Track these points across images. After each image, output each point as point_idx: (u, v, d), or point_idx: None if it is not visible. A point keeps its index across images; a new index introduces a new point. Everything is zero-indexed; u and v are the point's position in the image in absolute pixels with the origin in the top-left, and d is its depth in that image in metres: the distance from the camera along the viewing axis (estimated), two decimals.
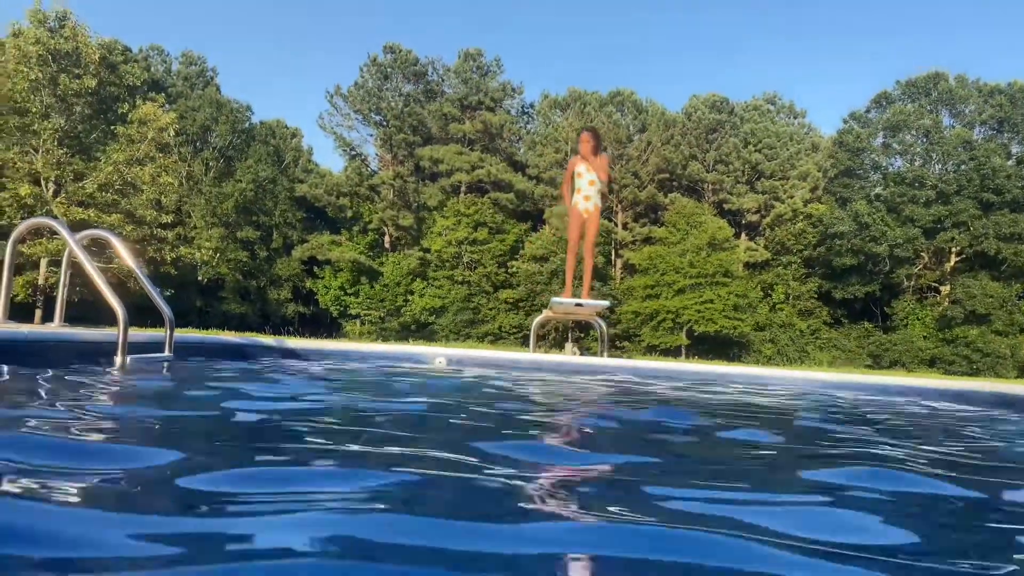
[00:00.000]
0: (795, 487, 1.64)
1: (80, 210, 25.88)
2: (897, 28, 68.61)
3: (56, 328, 4.21)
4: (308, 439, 1.96)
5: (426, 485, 1.41)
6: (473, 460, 1.68)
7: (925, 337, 36.39)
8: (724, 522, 1.18)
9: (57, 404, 2.39)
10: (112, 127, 28.64)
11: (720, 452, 2.27)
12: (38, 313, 26.69)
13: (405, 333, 38.64)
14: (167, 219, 30.21)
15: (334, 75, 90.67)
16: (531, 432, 2.55)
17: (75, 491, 1.21)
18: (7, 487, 1.18)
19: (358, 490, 1.30)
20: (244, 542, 0.96)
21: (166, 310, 4.41)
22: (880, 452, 2.26)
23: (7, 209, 24.49)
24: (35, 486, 1.22)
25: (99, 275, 3.90)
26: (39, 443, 1.57)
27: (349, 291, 42.40)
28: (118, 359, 3.89)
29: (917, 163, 39.14)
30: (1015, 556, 1.14)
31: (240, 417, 2.32)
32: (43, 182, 26.28)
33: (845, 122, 41.11)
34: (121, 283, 17.31)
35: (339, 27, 75.23)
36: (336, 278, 42.77)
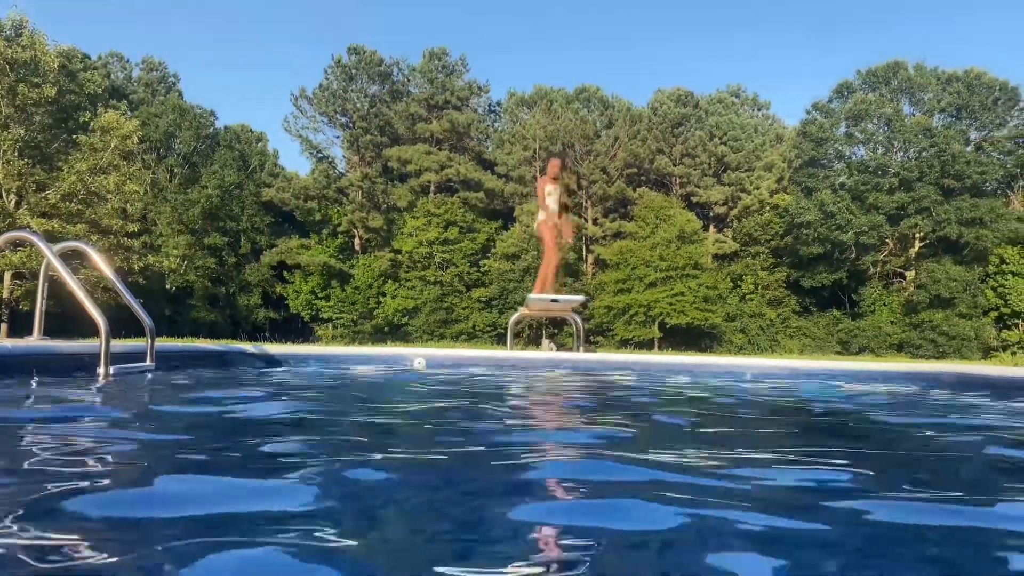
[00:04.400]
0: None
1: (44, 221, 25.42)
2: (856, 18, 69.55)
3: (36, 341, 4.19)
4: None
5: None
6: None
7: (892, 322, 37.02)
8: None
9: (52, 418, 2.40)
10: (74, 136, 28.16)
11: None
12: (3, 327, 26.21)
13: (378, 335, 38.48)
14: (133, 228, 29.80)
15: (298, 78, 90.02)
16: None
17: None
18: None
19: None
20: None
21: (147, 320, 4.40)
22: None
23: None
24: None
25: (80, 287, 3.89)
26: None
27: (320, 295, 42.10)
28: (101, 370, 3.88)
29: (879, 151, 39.76)
30: None
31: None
32: (4, 193, 25.80)
33: (808, 113, 41.63)
34: (89, 294, 17.01)
35: (302, 29, 74.61)
36: (306, 282, 42.46)
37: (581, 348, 9.79)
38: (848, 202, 37.95)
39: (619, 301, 36.68)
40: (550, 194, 9.47)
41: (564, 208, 10.03)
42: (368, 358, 6.87)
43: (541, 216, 9.51)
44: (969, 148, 38.69)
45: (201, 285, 39.12)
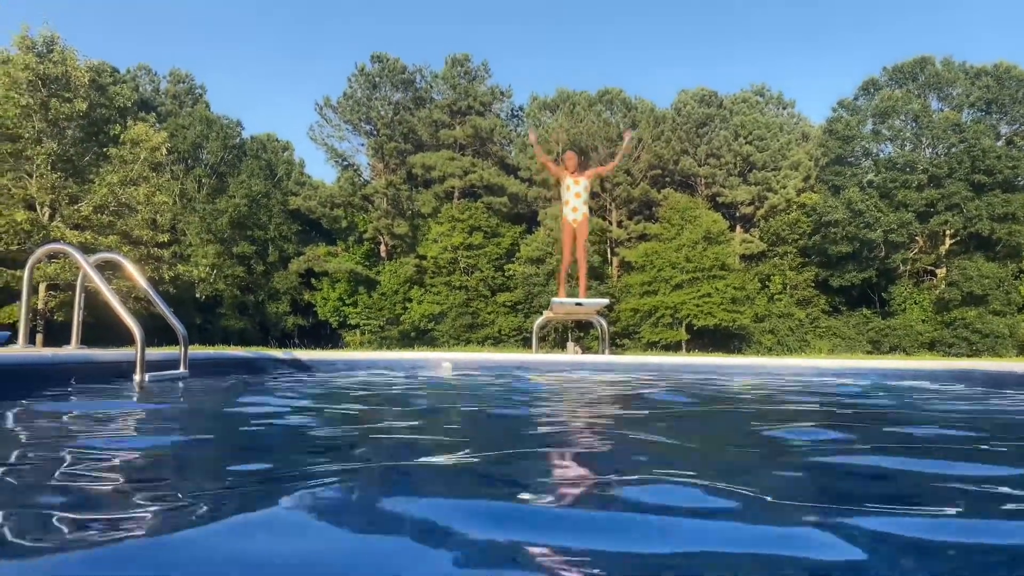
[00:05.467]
0: None
1: (77, 233, 25.91)
2: (881, 14, 68.84)
3: (74, 350, 4.31)
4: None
5: None
6: None
7: (924, 321, 36.51)
8: None
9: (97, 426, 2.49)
10: (104, 149, 28.67)
11: None
12: (39, 337, 26.73)
13: (405, 341, 38.70)
14: (163, 238, 30.25)
15: (323, 86, 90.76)
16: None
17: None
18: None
19: None
20: None
21: (180, 328, 4.51)
22: None
23: (4, 236, 24.54)
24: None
25: (115, 297, 4.00)
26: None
27: (347, 301, 42.47)
28: (137, 377, 3.99)
29: (907, 148, 39.29)
30: None
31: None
32: (38, 207, 26.32)
33: (834, 110, 41.26)
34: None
35: (326, 38, 75.40)
36: (334, 289, 42.85)
37: (607, 351, 9.82)
38: (876, 200, 37.53)
39: (645, 303, 36.55)
40: (568, 188, 9.31)
41: (609, 167, 10.27)
42: (396, 363, 6.95)
43: (564, 212, 9.46)
44: (1000, 143, 38.10)
45: (230, 294, 39.62)
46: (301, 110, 78.25)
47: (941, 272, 38.50)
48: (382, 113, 44.18)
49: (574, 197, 9.26)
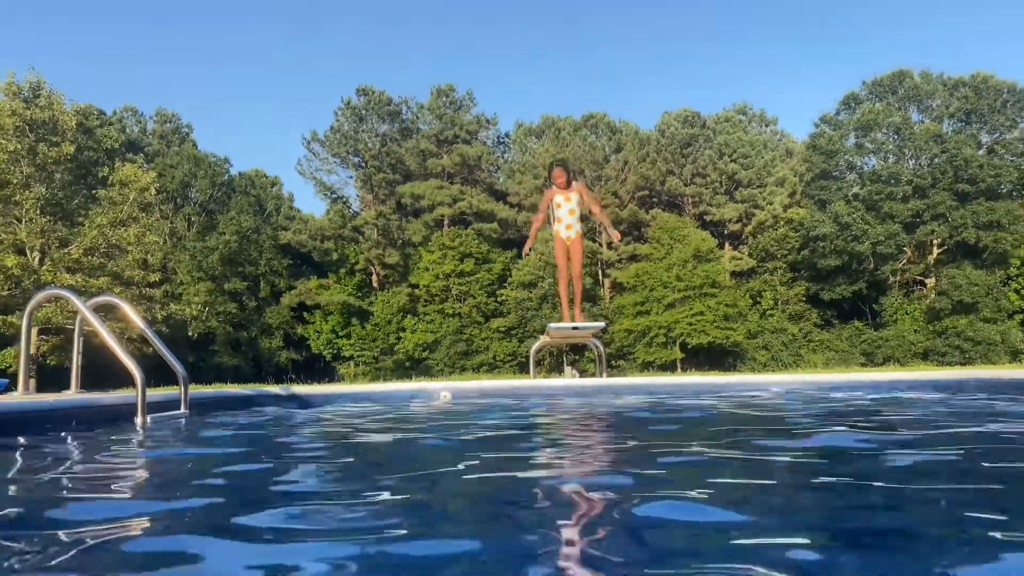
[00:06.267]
0: None
1: (68, 276, 25.86)
2: (858, 29, 69.77)
3: (74, 395, 4.31)
4: None
5: None
6: None
7: (916, 331, 36.66)
8: None
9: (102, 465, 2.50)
10: (93, 191, 28.73)
11: None
12: (32, 383, 26.54)
13: (400, 371, 38.57)
14: (154, 278, 30.21)
15: (309, 121, 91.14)
16: None
17: None
18: None
19: None
20: None
21: (179, 368, 4.52)
22: None
23: None
24: None
25: (114, 340, 4.02)
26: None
27: (341, 333, 42.36)
28: (139, 419, 4.00)
29: (891, 160, 39.69)
30: None
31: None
32: (28, 251, 26.27)
33: (816, 126, 41.70)
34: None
35: (311, 73, 75.85)
36: (327, 322, 42.76)
37: (604, 373, 9.83)
38: (863, 212, 37.82)
39: (638, 324, 36.59)
40: (559, 205, 8.79)
41: (597, 207, 9.23)
42: (394, 394, 6.96)
43: (557, 230, 8.84)
44: (981, 152, 38.54)
45: (223, 331, 39.48)
46: (289, 145, 78.45)
47: (930, 282, 38.74)
48: (369, 145, 44.39)
49: (567, 214, 8.80)
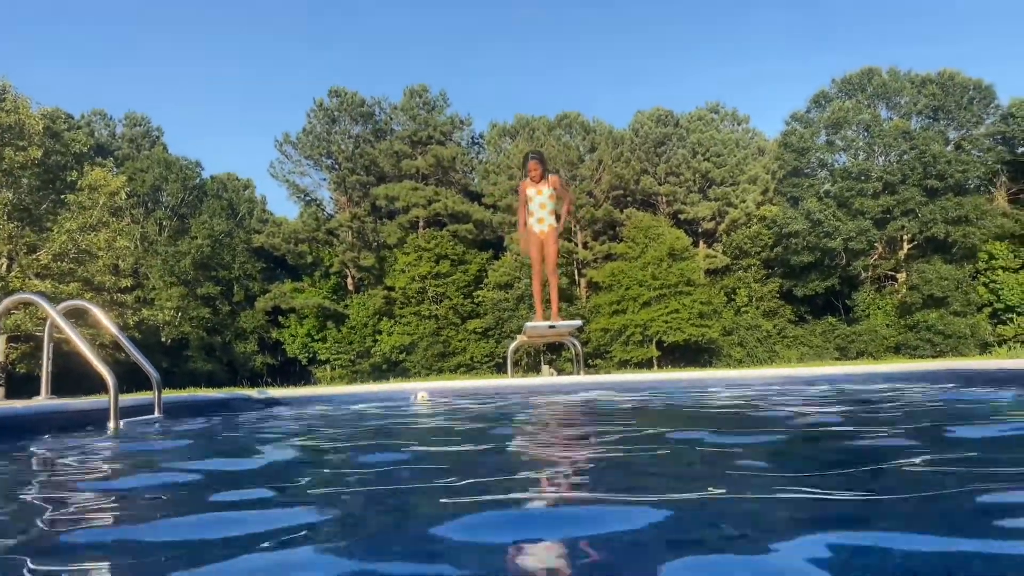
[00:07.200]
0: None
1: (37, 282, 25.45)
2: (827, 28, 70.53)
3: (44, 400, 4.24)
4: None
5: None
6: None
7: (888, 325, 37.14)
8: None
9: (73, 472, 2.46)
10: (62, 196, 28.30)
11: None
12: (0, 391, 26.08)
13: (377, 373, 38.40)
14: (126, 283, 29.81)
15: (281, 123, 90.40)
16: None
17: None
18: None
19: None
20: None
21: (153, 372, 4.46)
22: None
23: None
24: None
25: (86, 344, 3.95)
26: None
27: (316, 337, 42.06)
28: (111, 424, 3.93)
29: (861, 157, 40.16)
30: None
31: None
32: None
33: (787, 124, 42.07)
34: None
35: (281, 75, 75.25)
36: (302, 325, 42.45)
37: (581, 372, 9.84)
38: (834, 209, 38.25)
39: (615, 322, 36.74)
40: (531, 199, 8.63)
41: (572, 205, 9.06)
42: (372, 396, 6.91)
43: (530, 224, 8.67)
44: (949, 148, 39.12)
45: (196, 336, 39.03)
46: (261, 147, 78.01)
47: (901, 276, 39.26)
48: (343, 147, 44.13)
49: (539, 208, 8.64)
